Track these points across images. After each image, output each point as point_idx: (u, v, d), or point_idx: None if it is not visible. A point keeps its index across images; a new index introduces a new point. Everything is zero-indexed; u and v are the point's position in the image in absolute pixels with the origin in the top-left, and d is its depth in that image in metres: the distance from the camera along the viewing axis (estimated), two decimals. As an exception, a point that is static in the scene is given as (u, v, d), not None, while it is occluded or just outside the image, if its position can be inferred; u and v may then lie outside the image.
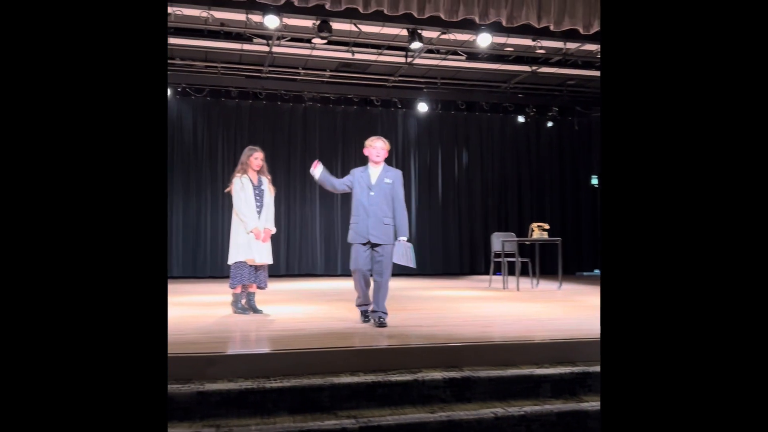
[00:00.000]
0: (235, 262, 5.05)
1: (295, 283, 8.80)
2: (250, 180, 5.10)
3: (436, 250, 10.69)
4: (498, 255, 8.27)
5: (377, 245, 4.43)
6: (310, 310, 5.61)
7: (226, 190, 5.26)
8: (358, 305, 4.62)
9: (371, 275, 4.50)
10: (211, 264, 9.62)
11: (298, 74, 9.76)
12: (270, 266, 5.29)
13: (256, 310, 5.14)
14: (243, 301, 5.20)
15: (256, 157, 5.14)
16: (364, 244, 4.44)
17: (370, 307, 4.52)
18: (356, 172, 4.58)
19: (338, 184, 4.62)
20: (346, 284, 4.52)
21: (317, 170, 4.62)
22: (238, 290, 5.13)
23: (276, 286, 8.03)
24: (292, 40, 8.20)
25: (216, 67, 9.31)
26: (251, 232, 4.99)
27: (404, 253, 4.39)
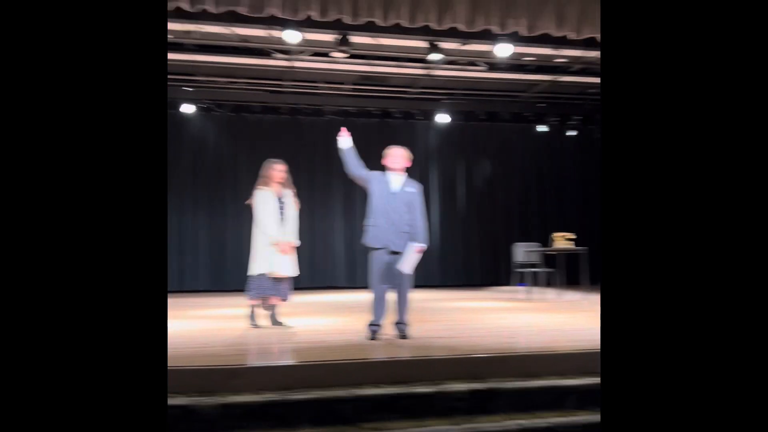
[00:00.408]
0: (257, 275, 5.06)
1: (317, 296, 8.82)
2: (273, 193, 5.14)
3: (458, 262, 10.64)
4: (521, 265, 8.19)
5: (396, 253, 4.37)
6: (332, 322, 5.62)
7: (247, 202, 5.29)
8: (372, 324, 4.40)
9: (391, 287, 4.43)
10: (235, 277, 9.69)
11: (319, 88, 9.84)
12: (293, 278, 5.30)
13: (277, 323, 5.16)
14: (267, 314, 5.23)
15: (278, 170, 5.17)
16: (381, 249, 4.37)
17: (382, 320, 4.42)
18: (377, 175, 4.50)
19: (358, 170, 4.45)
20: (369, 296, 4.51)
21: (347, 139, 4.46)
22: (255, 303, 5.14)
23: (298, 298, 8.06)
24: (313, 54, 8.28)
25: (238, 82, 9.45)
26: (275, 244, 5.00)
27: (411, 261, 4.28)
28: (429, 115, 10.64)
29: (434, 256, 10.45)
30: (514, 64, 8.77)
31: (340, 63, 8.60)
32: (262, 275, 5.03)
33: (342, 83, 9.72)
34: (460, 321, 5.59)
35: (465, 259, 10.67)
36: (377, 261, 4.37)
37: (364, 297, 8.01)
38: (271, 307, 5.20)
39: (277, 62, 8.56)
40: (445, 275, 10.59)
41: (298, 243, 5.22)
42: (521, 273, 8.33)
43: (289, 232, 5.14)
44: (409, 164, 4.62)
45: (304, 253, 9.92)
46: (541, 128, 11.01)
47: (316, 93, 10.00)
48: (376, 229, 4.38)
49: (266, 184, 5.15)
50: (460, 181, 10.85)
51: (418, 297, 8.15)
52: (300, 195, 9.87)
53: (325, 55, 8.27)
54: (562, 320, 5.45)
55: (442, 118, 10.47)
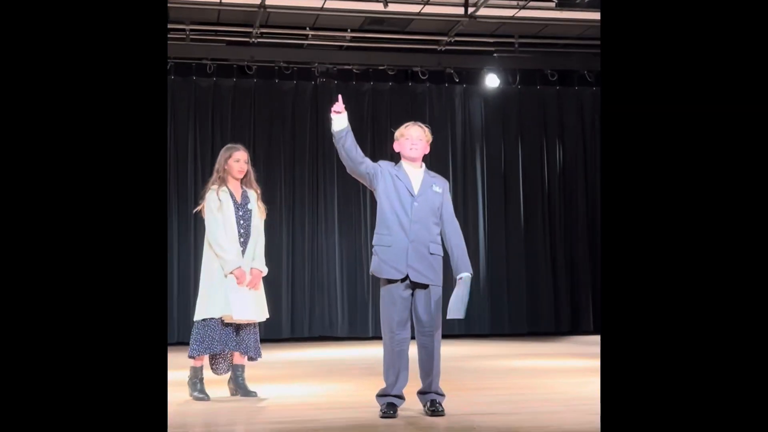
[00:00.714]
0: (203, 320, 5.05)
1: (304, 351, 8.83)
2: (231, 194, 5.14)
3: (517, 299, 10.61)
4: (614, 303, 8.16)
5: (420, 287, 4.37)
6: (327, 390, 5.62)
7: (196, 210, 5.29)
8: (382, 395, 4.38)
9: (412, 338, 4.40)
10: (179, 324, 9.74)
11: (305, 37, 9.89)
12: (265, 326, 5.30)
13: (246, 392, 5.17)
14: (228, 378, 5.23)
15: (237, 159, 5.16)
16: (399, 282, 4.32)
17: (401, 388, 4.39)
18: (386, 168, 4.46)
19: (360, 162, 4.37)
20: (380, 351, 4.50)
21: (342, 116, 4.32)
22: (200, 363, 5.10)
23: (275, 355, 8.04)
24: (295, -14, 8.33)
25: (183, 30, 9.52)
26: (232, 273, 4.98)
27: (460, 300, 4.27)
28: (471, 77, 10.66)
29: (480, 291, 10.42)
30: (601, -2, 8.77)
31: (336, 0, 8.64)
32: (210, 320, 4.99)
33: (340, 30, 9.75)
34: (520, 389, 5.57)
35: (527, 295, 10.64)
36: (391, 299, 4.35)
37: (374, 353, 7.93)
38: (233, 369, 5.20)
39: (241, -1, 8.62)
40: (497, 320, 10.55)
41: (265, 271, 5.20)
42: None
43: (254, 255, 5.15)
44: (427, 149, 4.58)
45: (283, 287, 9.96)
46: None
47: (301, 45, 10.04)
48: (390, 251, 4.35)
49: (222, 181, 5.15)
50: (518, 174, 10.84)
51: (454, 352, 8.11)
52: (276, 197, 10.01)
53: (314, -13, 8.32)
54: (678, 387, 5.42)
55: (491, 81, 10.48)
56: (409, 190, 4.40)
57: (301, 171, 10.34)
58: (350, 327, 10.26)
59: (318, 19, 9.39)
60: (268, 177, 10.05)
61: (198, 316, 5.06)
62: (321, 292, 10.28)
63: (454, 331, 9.72)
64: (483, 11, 8.99)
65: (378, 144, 10.24)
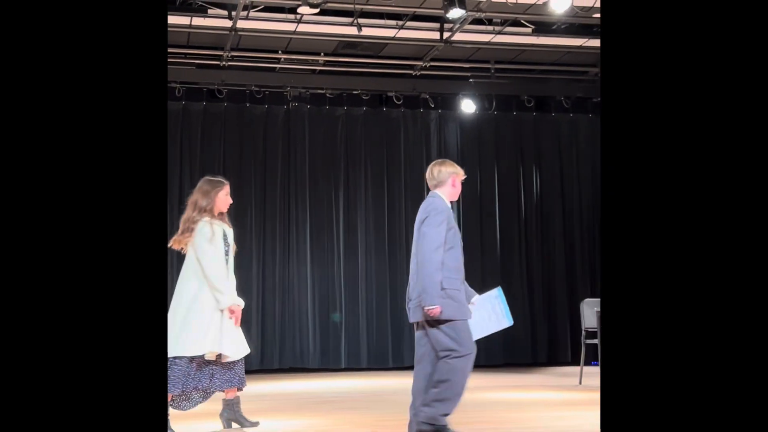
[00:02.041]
0: (174, 357, 4.85)
1: (273, 383, 8.76)
2: (223, 230, 5.09)
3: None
4: (593, 334, 8.17)
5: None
6: (297, 426, 5.58)
7: (178, 244, 5.08)
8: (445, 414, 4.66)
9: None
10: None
11: (278, 61, 9.90)
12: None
13: (244, 423, 5.17)
14: (221, 414, 5.20)
15: (227, 193, 5.11)
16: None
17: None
18: (445, 208, 4.54)
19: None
20: (353, 383, 4.45)
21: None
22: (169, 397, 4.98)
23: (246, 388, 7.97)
24: (267, 9, 8.34)
25: (152, 52, 9.50)
26: (228, 309, 4.93)
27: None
28: (447, 102, 10.71)
29: (456, 320, 10.41)
30: (577, 24, 8.84)
31: (309, 23, 8.66)
32: (184, 358, 4.86)
33: (313, 54, 9.77)
34: (497, 423, 5.55)
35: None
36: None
37: (349, 384, 7.85)
38: (229, 403, 5.15)
39: (213, 21, 8.63)
40: (476, 353, 10.52)
41: (242, 305, 5.14)
42: (593, 345, 8.30)
43: (233, 290, 5.13)
44: None
45: (253, 318, 9.81)
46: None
47: (273, 68, 10.05)
48: (461, 295, 4.58)
49: (212, 213, 5.05)
50: (494, 200, 10.89)
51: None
52: (247, 225, 9.95)
53: (287, 10, 8.33)
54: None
55: (467, 106, 10.53)
56: (456, 232, 4.59)
57: (272, 198, 10.29)
58: (322, 358, 10.19)
59: (291, 43, 9.42)
60: (238, 204, 9.97)
61: (174, 352, 4.88)
62: (292, 321, 10.20)
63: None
64: (459, 36, 9.06)
65: (351, 170, 10.21)
